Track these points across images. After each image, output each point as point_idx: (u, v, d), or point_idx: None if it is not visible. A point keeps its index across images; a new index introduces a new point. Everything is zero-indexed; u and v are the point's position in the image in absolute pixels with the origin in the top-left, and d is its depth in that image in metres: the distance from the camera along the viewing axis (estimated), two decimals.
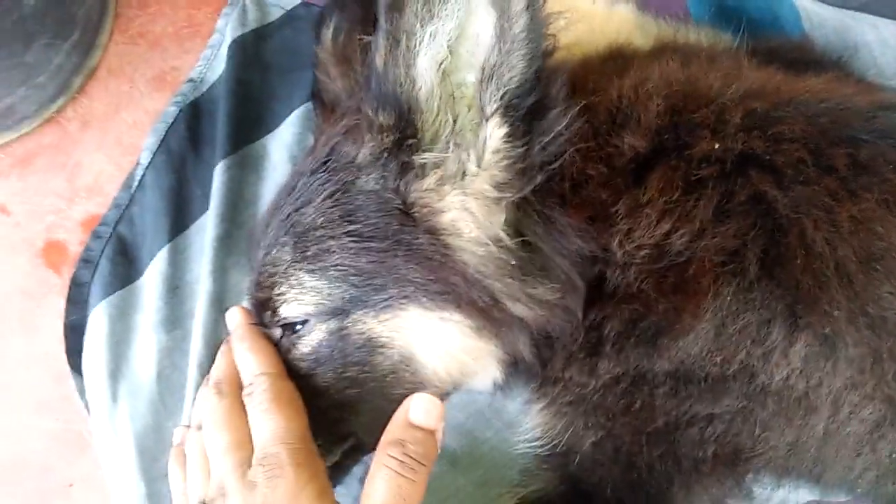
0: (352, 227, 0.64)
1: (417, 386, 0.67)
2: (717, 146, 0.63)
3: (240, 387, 0.67)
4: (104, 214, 0.93)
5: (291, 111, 0.95)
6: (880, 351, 0.61)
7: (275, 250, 0.67)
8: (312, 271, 0.65)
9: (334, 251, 0.64)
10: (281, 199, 0.70)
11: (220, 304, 0.85)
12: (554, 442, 0.72)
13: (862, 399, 0.62)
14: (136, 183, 0.93)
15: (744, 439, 0.67)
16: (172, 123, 0.96)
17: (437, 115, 0.61)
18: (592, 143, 0.64)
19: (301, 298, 0.65)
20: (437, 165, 0.62)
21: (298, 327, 0.67)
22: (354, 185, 0.65)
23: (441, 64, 0.58)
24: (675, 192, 0.62)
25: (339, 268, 0.64)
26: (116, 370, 0.86)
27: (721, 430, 0.67)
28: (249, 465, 0.62)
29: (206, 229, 0.90)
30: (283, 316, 0.67)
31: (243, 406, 0.66)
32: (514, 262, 0.63)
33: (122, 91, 1.02)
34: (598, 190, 0.64)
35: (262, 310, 0.69)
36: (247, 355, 0.68)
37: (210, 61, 0.99)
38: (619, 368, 0.67)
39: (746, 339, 0.62)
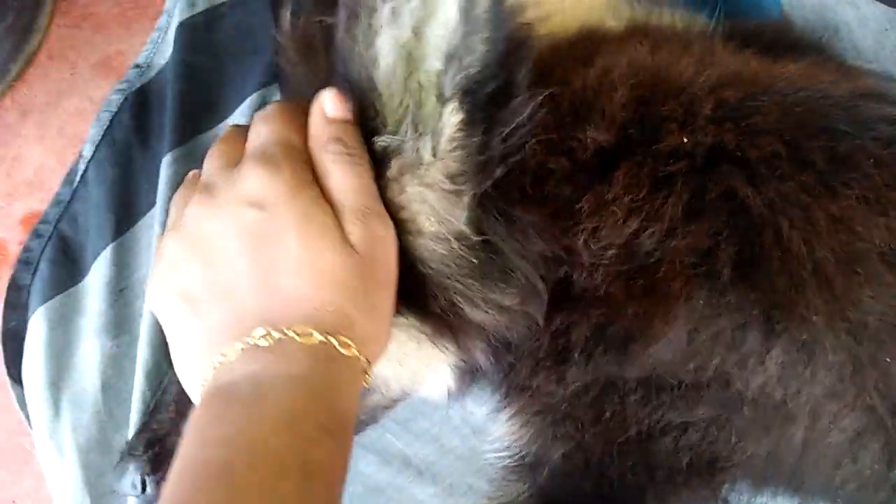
0: None
1: (363, 392, 0.63)
2: (685, 140, 0.59)
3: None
4: (44, 211, 0.88)
5: (245, 98, 0.90)
6: (861, 358, 0.58)
7: None
8: None
9: None
10: None
11: None
12: (522, 452, 0.69)
13: (842, 408, 0.59)
14: (78, 177, 0.88)
15: (720, 448, 0.64)
16: (117, 112, 0.90)
17: (401, 100, 0.57)
18: (554, 136, 0.61)
19: None
20: (396, 152, 0.59)
21: None
22: None
23: (405, 45, 0.55)
24: (641, 190, 0.59)
25: None
26: (58, 380, 0.81)
27: (696, 439, 0.64)
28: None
29: (153, 227, 0.85)
30: None
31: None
32: (475, 261, 0.60)
33: (64, 78, 0.97)
34: (560, 185, 0.61)
35: None
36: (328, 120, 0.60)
37: (157, 45, 0.94)
38: (588, 376, 0.64)
39: (721, 345, 0.60)
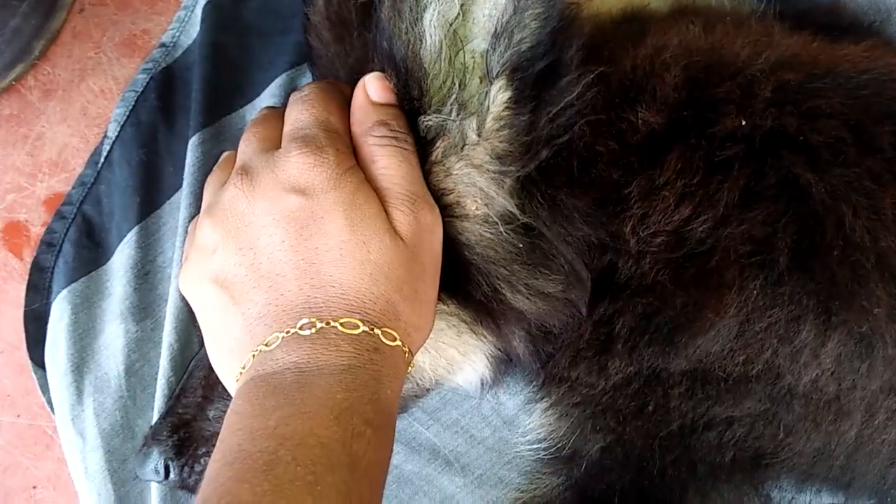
0: None
1: None
2: (743, 123, 0.57)
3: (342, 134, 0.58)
4: (68, 193, 0.86)
5: (273, 79, 0.87)
6: None
7: None
8: None
9: None
10: None
11: None
12: (558, 445, 0.67)
13: None
14: (102, 158, 0.86)
15: (765, 444, 0.62)
16: (142, 92, 0.88)
17: (445, 80, 0.55)
18: (603, 117, 0.59)
19: None
20: (441, 132, 0.57)
21: None
22: None
23: (452, 24, 0.53)
24: (695, 175, 0.57)
25: None
26: (81, 364, 0.79)
27: (741, 434, 0.62)
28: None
29: (179, 209, 0.83)
30: None
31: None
32: (520, 246, 0.58)
33: (88, 57, 0.94)
34: (608, 169, 0.59)
35: None
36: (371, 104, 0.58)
37: (184, 24, 0.91)
38: (631, 368, 0.62)
39: (773, 337, 0.57)
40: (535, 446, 0.70)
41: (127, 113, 0.86)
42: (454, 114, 0.56)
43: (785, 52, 0.60)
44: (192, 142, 0.84)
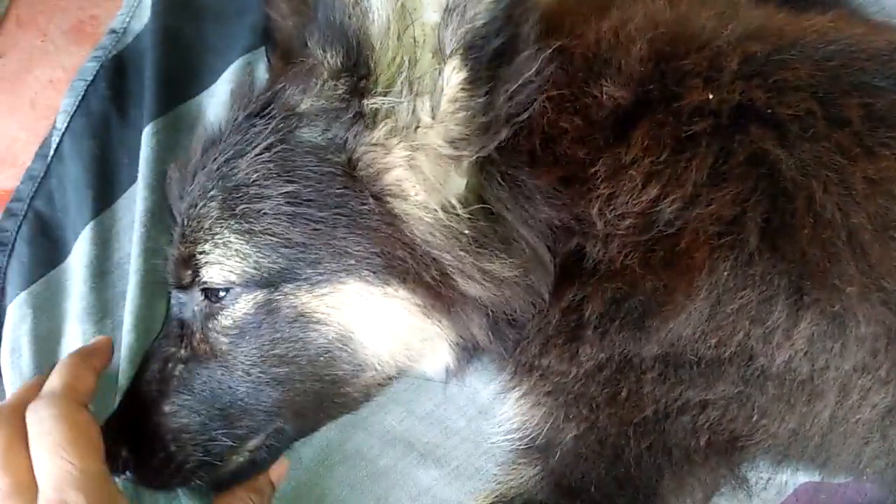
0: (289, 188, 0.58)
1: (355, 368, 0.62)
2: (710, 97, 0.56)
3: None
4: (16, 188, 0.83)
5: (229, 64, 0.85)
6: None
7: (201, 203, 0.61)
8: (240, 233, 0.59)
9: (266, 213, 0.58)
10: (210, 143, 0.63)
11: (152, 288, 0.76)
12: (532, 434, 0.66)
13: (874, 383, 0.56)
14: (52, 151, 0.83)
15: (740, 427, 0.61)
16: (92, 81, 0.85)
17: (394, 57, 0.54)
18: (566, 92, 0.57)
19: (225, 262, 0.59)
20: (388, 114, 0.56)
21: (222, 294, 0.61)
22: (294, 138, 0.59)
23: None
24: (662, 151, 0.56)
25: (269, 234, 0.58)
26: (44, 367, 0.76)
27: (715, 418, 0.61)
28: None
29: (135, 202, 0.80)
30: (204, 279, 0.61)
31: (26, 437, 0.57)
32: (467, 232, 0.57)
33: (35, 45, 0.91)
34: (573, 146, 0.57)
35: (184, 268, 0.62)
36: (55, 375, 0.61)
37: (134, 8, 0.89)
38: (602, 354, 0.60)
39: (745, 318, 0.56)
40: (509, 436, 0.69)
41: (76, 103, 0.84)
42: (404, 93, 0.54)
43: (751, 23, 0.59)
44: (147, 132, 0.81)
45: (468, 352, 0.65)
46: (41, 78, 0.89)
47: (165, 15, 0.86)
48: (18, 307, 0.79)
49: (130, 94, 0.85)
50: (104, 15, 0.91)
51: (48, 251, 0.81)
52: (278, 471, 0.69)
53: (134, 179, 0.81)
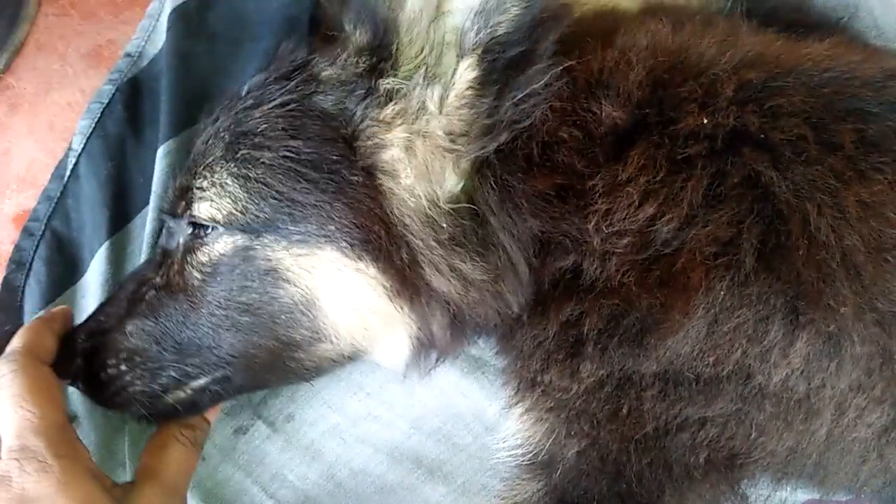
0: (291, 143, 0.61)
1: (312, 335, 0.64)
2: (705, 121, 0.57)
3: None
4: (34, 208, 0.85)
5: (243, 87, 0.86)
6: (890, 350, 0.56)
7: (211, 141, 0.65)
8: (237, 176, 0.62)
9: (264, 162, 0.61)
10: (238, 94, 0.67)
11: None
12: (535, 451, 0.67)
13: (869, 402, 0.57)
14: (68, 171, 0.85)
15: (739, 444, 0.62)
16: (108, 104, 0.87)
17: (420, 50, 0.58)
18: (568, 106, 0.60)
19: (216, 200, 0.62)
20: (399, 97, 0.59)
21: (206, 231, 0.63)
22: (310, 101, 0.62)
23: None
24: (658, 172, 0.57)
25: (262, 183, 0.61)
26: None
27: (714, 435, 0.62)
28: None
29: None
30: (193, 213, 0.63)
31: None
32: (445, 226, 0.60)
33: (54, 69, 0.93)
34: (571, 156, 0.59)
35: (180, 198, 0.65)
36: (16, 337, 0.63)
37: (149, 33, 0.90)
38: (602, 371, 0.61)
39: (742, 337, 0.57)
40: (513, 452, 0.69)
41: (93, 125, 0.86)
42: (418, 81, 0.57)
43: (749, 51, 0.60)
44: (161, 152, 0.83)
45: (427, 349, 0.66)
46: (59, 101, 0.92)
47: (180, 39, 0.87)
48: None
49: (145, 117, 0.87)
50: (121, 39, 0.93)
51: (65, 270, 0.83)
52: (213, 410, 0.70)
53: (147, 201, 0.83)
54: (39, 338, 0.64)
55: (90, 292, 0.82)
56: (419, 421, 0.78)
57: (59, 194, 0.85)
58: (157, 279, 0.66)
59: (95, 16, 0.94)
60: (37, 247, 0.83)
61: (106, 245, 0.82)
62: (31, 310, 0.81)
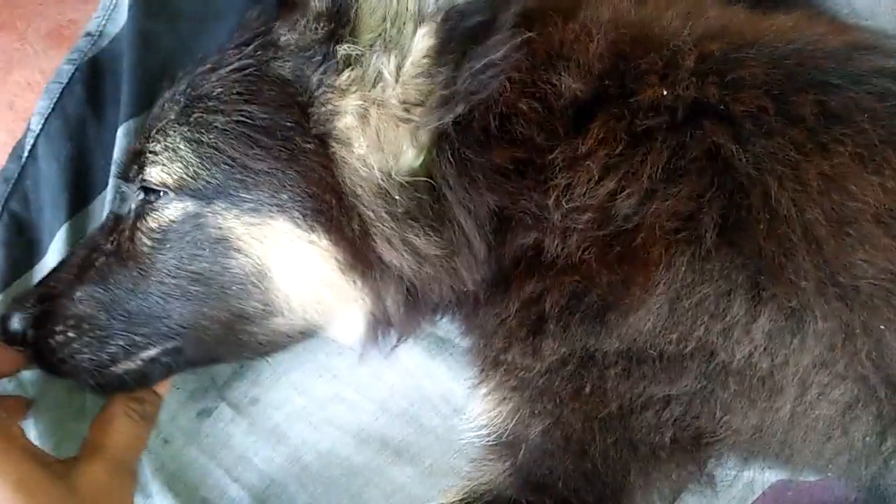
0: (245, 108, 0.60)
1: (264, 308, 0.63)
2: (665, 93, 0.56)
3: None
4: None
5: None
6: (853, 325, 0.55)
7: (167, 105, 0.64)
8: (189, 140, 0.61)
9: (217, 126, 0.60)
10: (201, 60, 0.66)
11: None
12: (500, 430, 0.66)
13: (832, 378, 0.56)
14: (26, 153, 0.83)
15: (704, 422, 0.61)
16: (68, 83, 0.85)
17: (382, 17, 0.57)
18: (527, 78, 0.59)
19: (167, 165, 0.61)
20: (356, 65, 0.59)
21: (157, 196, 0.62)
22: (268, 67, 0.61)
23: None
24: (617, 145, 0.56)
25: (214, 148, 0.60)
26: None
27: (679, 413, 0.61)
28: None
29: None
30: (144, 177, 0.62)
31: None
32: (398, 199, 0.59)
33: (13, 48, 0.92)
34: (530, 128, 0.58)
35: (132, 162, 0.64)
36: None
37: (109, 11, 0.88)
38: (564, 349, 0.61)
39: (704, 313, 0.57)
40: (479, 433, 0.69)
41: (52, 105, 0.84)
42: (376, 49, 0.57)
43: (712, 23, 0.60)
44: (121, 131, 0.81)
45: (383, 325, 0.66)
46: (20, 81, 0.90)
47: (142, 18, 0.86)
48: None
49: (107, 97, 0.85)
50: (83, 19, 0.91)
51: (23, 252, 0.81)
52: (163, 383, 0.69)
53: (108, 181, 0.81)
54: None
55: None
56: (386, 402, 0.77)
57: (16, 175, 0.83)
58: (108, 245, 0.65)
59: None
60: None
61: (65, 227, 0.81)
62: None
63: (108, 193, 0.80)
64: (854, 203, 0.54)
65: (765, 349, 0.56)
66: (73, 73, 0.85)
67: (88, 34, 0.87)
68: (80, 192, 0.82)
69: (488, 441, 0.68)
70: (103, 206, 0.81)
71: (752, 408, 0.59)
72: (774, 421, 0.60)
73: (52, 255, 0.80)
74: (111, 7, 0.88)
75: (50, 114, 0.84)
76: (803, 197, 0.54)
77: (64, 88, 0.85)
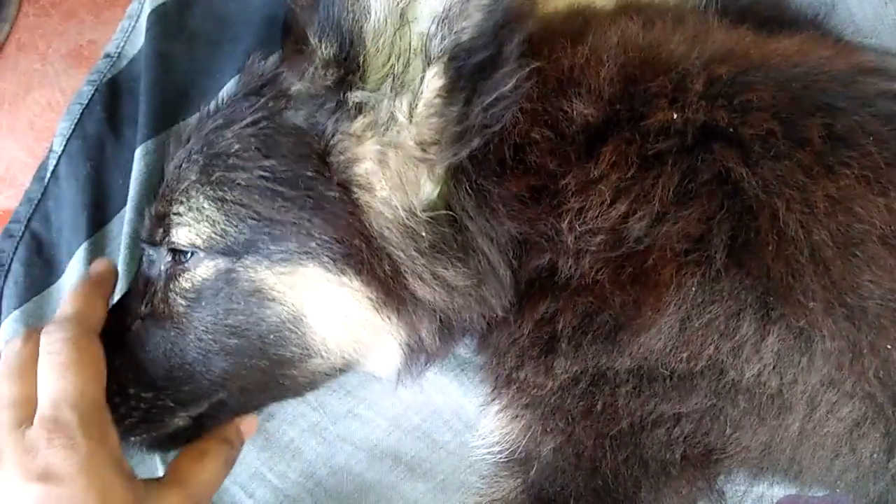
0: (266, 163, 0.60)
1: (302, 352, 0.63)
2: (675, 116, 0.57)
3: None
4: (15, 210, 0.85)
5: (222, 87, 0.87)
6: (860, 345, 0.55)
7: (184, 165, 0.63)
8: (213, 199, 0.61)
9: (240, 183, 0.60)
10: (208, 113, 0.66)
11: None
12: (512, 448, 0.67)
13: (840, 397, 0.57)
14: (48, 173, 0.85)
15: (714, 439, 0.62)
16: (87, 104, 0.87)
17: (387, 59, 0.57)
18: (539, 107, 0.59)
19: (194, 226, 0.61)
20: (369, 109, 0.59)
21: (186, 257, 0.62)
22: (281, 118, 0.61)
23: (399, 2, 0.54)
24: (629, 168, 0.57)
25: (240, 205, 0.60)
26: None
27: (689, 431, 0.62)
28: (30, 425, 0.55)
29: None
30: (172, 239, 0.63)
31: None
32: (425, 235, 0.59)
33: (34, 69, 0.93)
34: (544, 156, 0.59)
35: (157, 226, 0.64)
36: (67, 303, 0.63)
37: (128, 33, 0.90)
38: (576, 367, 0.62)
39: (714, 333, 0.57)
40: (491, 449, 0.70)
41: (73, 126, 0.85)
42: (387, 93, 0.57)
43: (719, 46, 0.60)
44: (139, 152, 0.83)
45: (417, 355, 0.66)
46: (40, 100, 0.92)
47: (159, 40, 0.87)
48: (10, 324, 0.81)
49: (125, 117, 0.87)
50: (102, 39, 0.93)
51: (42, 272, 0.83)
52: (249, 424, 0.70)
53: (126, 201, 0.83)
54: (90, 305, 0.63)
55: (66, 293, 0.81)
56: (399, 419, 0.78)
57: (40, 196, 0.85)
58: (142, 308, 0.65)
59: (76, 16, 0.94)
60: (16, 248, 0.83)
61: (84, 246, 0.82)
62: (7, 311, 0.81)
63: (126, 226, 0.80)
64: (860, 224, 0.54)
65: (774, 368, 0.57)
66: (93, 94, 0.87)
67: (108, 55, 0.89)
68: (99, 211, 0.83)
69: (500, 458, 0.68)
70: (121, 226, 0.83)
71: (762, 425, 0.60)
72: (783, 438, 0.60)
73: (70, 274, 0.82)
74: (130, 29, 0.90)
75: (71, 135, 0.85)
76: (810, 219, 0.55)
77: (84, 109, 0.86)
